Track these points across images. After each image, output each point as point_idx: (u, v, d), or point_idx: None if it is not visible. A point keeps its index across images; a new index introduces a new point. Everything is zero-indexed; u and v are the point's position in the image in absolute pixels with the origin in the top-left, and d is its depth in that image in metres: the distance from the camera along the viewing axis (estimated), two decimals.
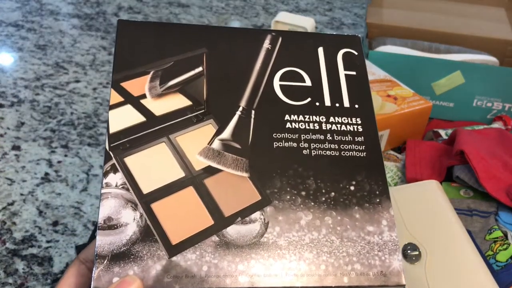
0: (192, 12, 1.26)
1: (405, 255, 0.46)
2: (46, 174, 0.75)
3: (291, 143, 0.36)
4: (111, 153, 0.34)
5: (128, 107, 0.36)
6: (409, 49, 0.90)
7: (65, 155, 0.79)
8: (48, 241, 0.65)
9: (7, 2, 1.19)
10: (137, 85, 0.37)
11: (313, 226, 0.33)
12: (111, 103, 0.36)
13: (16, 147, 0.79)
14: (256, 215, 0.33)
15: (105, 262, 0.31)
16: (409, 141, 0.71)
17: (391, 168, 0.68)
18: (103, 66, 1.02)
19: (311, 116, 0.37)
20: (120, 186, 0.33)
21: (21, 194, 0.71)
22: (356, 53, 0.41)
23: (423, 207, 0.51)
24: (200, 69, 0.38)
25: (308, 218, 0.33)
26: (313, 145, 0.36)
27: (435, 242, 0.47)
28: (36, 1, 1.22)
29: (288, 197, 0.34)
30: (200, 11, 1.26)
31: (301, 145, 0.36)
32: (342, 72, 0.40)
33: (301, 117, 0.37)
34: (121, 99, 0.36)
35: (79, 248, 0.62)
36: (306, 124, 0.37)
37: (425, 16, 0.99)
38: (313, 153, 0.36)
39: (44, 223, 0.67)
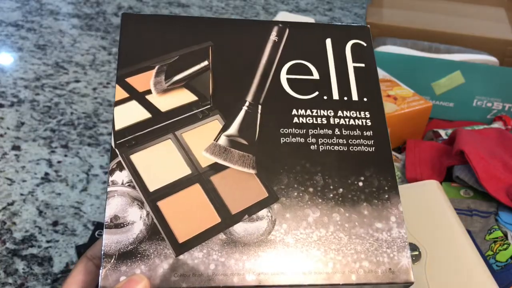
0: (192, 12, 1.26)
1: None
2: (46, 174, 0.75)
3: (299, 138, 0.35)
4: (117, 150, 0.34)
5: (134, 103, 0.35)
6: (409, 49, 0.90)
7: (65, 155, 0.78)
8: (48, 241, 0.65)
9: (7, 2, 1.19)
10: (142, 80, 0.36)
11: (321, 223, 0.33)
12: (116, 99, 0.36)
13: (16, 147, 0.79)
14: (263, 212, 0.33)
15: (112, 261, 0.30)
16: (409, 141, 0.71)
17: None
18: (103, 66, 1.01)
19: (319, 111, 0.37)
20: (126, 184, 0.33)
21: (21, 194, 0.71)
22: (365, 44, 0.40)
23: (423, 207, 0.51)
24: (205, 63, 0.37)
25: (316, 215, 0.33)
26: (321, 140, 0.36)
27: (435, 242, 0.47)
28: (36, 1, 1.21)
29: (296, 193, 0.34)
30: (200, 11, 1.26)
31: (309, 140, 0.35)
32: (350, 64, 0.39)
33: (308, 112, 0.36)
34: (126, 95, 0.36)
35: (79, 248, 0.62)
36: (314, 118, 0.36)
37: (425, 16, 0.99)
38: (321, 149, 0.35)
39: (44, 223, 0.67)
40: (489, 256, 0.51)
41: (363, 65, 0.39)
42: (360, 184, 0.34)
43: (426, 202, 0.51)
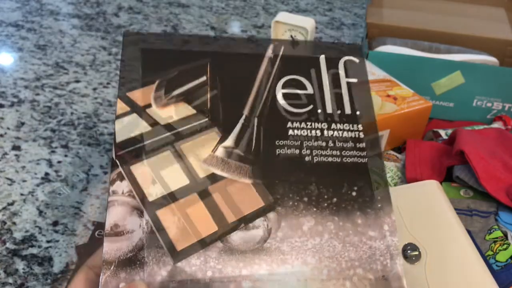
0: (192, 12, 1.26)
1: (405, 255, 0.46)
2: (46, 174, 0.75)
3: (294, 150, 0.37)
4: (117, 161, 0.35)
5: (134, 117, 0.37)
6: (409, 49, 0.90)
7: (65, 155, 0.79)
8: (48, 241, 0.65)
9: (7, 2, 1.19)
10: (143, 95, 0.37)
11: (316, 232, 0.34)
12: (118, 113, 0.37)
13: (16, 147, 0.79)
14: (259, 221, 0.34)
15: (112, 268, 0.31)
16: (409, 141, 0.72)
17: (391, 168, 0.68)
18: (103, 66, 1.02)
19: (313, 123, 0.38)
20: (127, 194, 0.34)
21: (21, 194, 0.71)
22: (357, 61, 0.42)
23: (423, 207, 0.51)
24: (204, 78, 0.39)
25: (311, 223, 0.34)
26: (315, 152, 0.37)
27: (435, 242, 0.47)
28: (36, 1, 1.21)
29: (291, 203, 0.34)
30: (200, 11, 1.26)
31: (304, 152, 0.37)
32: (343, 80, 0.40)
33: (303, 124, 0.38)
34: (127, 108, 0.37)
35: (79, 248, 0.63)
36: (308, 131, 0.38)
37: (425, 16, 0.99)
38: (315, 160, 0.36)
39: (44, 223, 0.67)
40: (489, 256, 0.51)
41: (355, 80, 0.41)
42: (354, 193, 0.35)
43: (426, 202, 0.51)
